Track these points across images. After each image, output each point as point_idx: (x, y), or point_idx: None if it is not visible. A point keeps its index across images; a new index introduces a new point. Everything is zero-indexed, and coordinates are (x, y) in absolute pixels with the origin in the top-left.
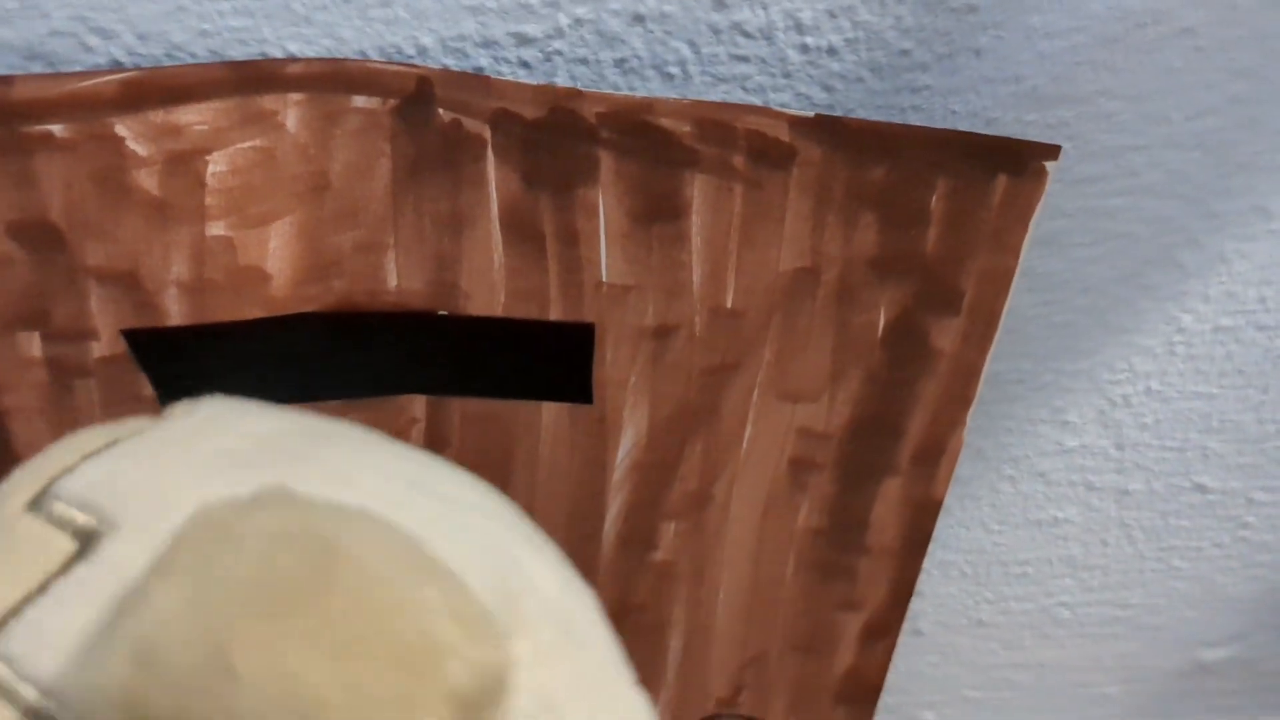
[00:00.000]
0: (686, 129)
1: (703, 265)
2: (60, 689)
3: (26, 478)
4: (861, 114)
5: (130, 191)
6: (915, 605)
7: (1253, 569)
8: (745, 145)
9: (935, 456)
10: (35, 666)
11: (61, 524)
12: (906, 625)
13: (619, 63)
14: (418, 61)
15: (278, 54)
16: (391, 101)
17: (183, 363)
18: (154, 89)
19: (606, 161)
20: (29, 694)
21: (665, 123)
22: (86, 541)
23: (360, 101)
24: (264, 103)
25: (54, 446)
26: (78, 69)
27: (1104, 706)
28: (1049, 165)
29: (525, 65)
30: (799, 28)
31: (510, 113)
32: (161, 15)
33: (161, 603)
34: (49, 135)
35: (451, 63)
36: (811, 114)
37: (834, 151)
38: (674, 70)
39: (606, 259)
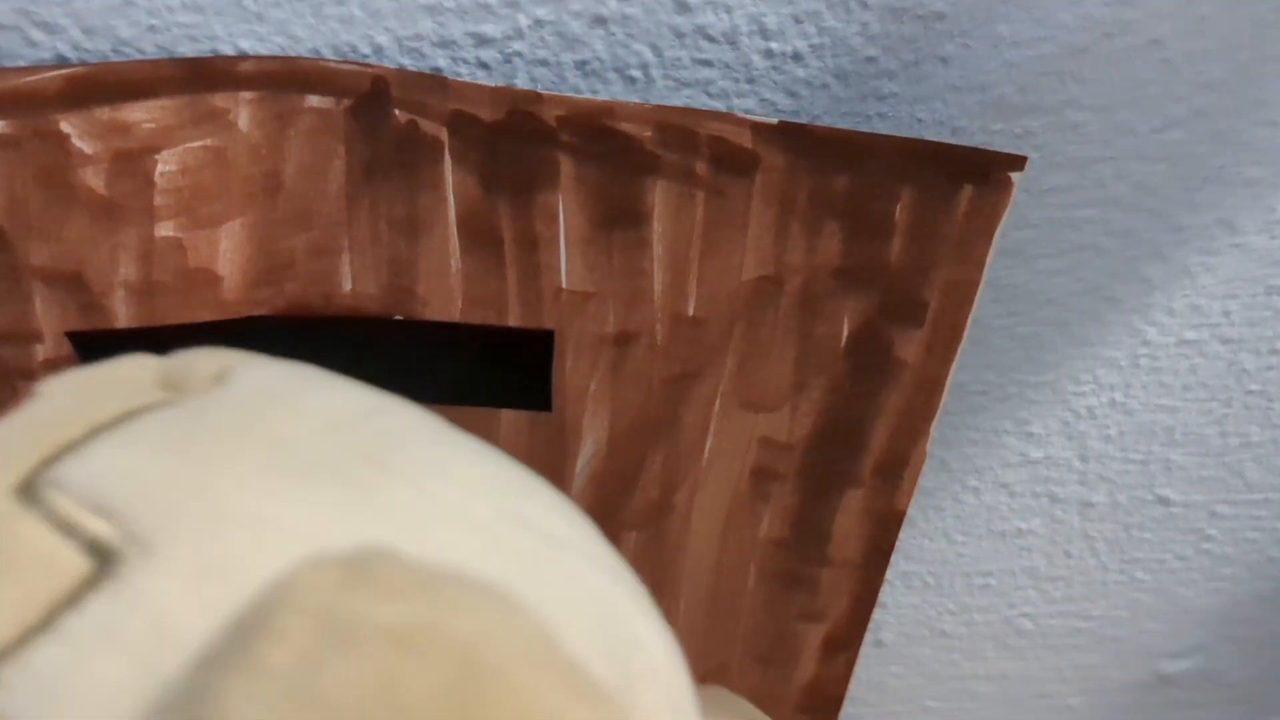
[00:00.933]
0: (648, 134)
1: (664, 272)
2: None
3: (13, 443)
4: (827, 121)
5: (76, 190)
6: (877, 616)
7: (1214, 581)
8: (708, 151)
9: (898, 468)
10: None
11: (69, 529)
12: (868, 636)
13: (580, 65)
14: (373, 61)
15: (229, 51)
16: (346, 101)
17: None
18: (100, 85)
19: (567, 166)
20: None
21: (627, 127)
22: (105, 562)
23: (314, 101)
24: (215, 101)
25: (41, 400)
26: (20, 64)
27: (1065, 717)
28: (1014, 176)
29: (484, 66)
30: (764, 33)
31: (468, 115)
32: (108, 10)
33: (244, 716)
34: None
35: (408, 63)
36: (775, 121)
37: (798, 159)
38: (636, 73)
39: (566, 265)
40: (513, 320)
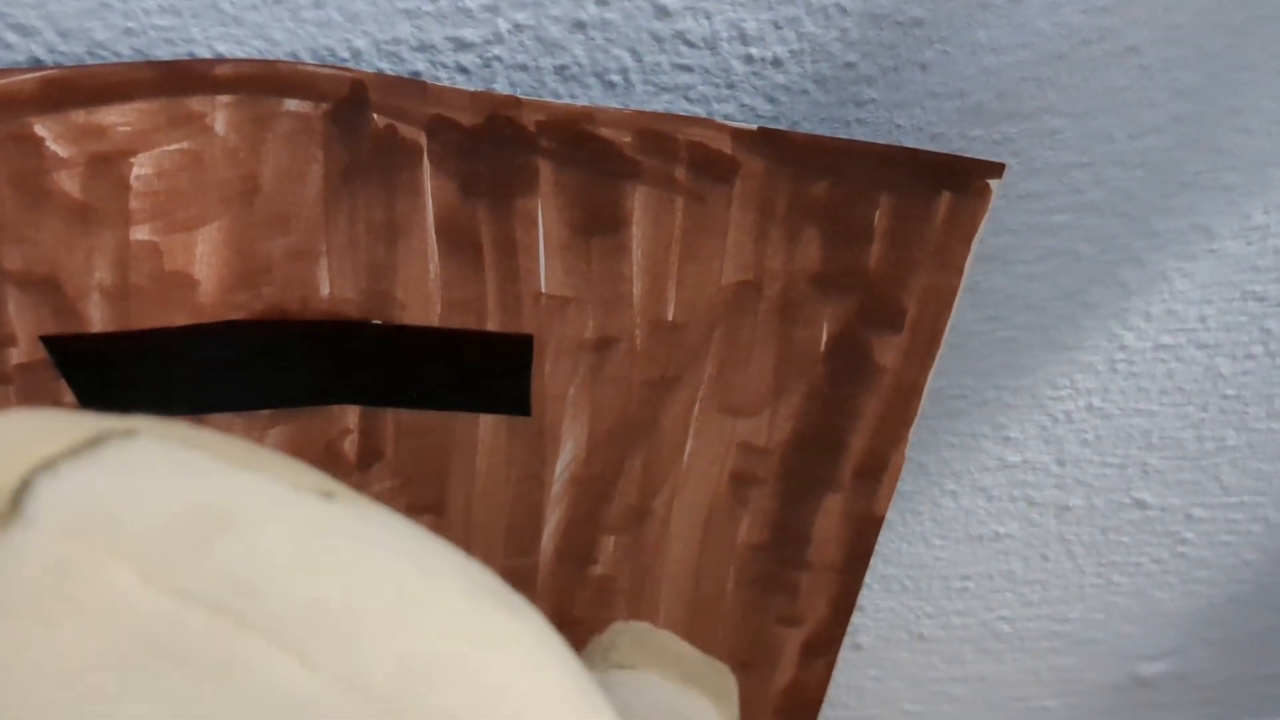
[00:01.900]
0: (628, 139)
1: (643, 278)
2: None
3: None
4: (806, 127)
5: (51, 194)
6: (856, 620)
7: (1190, 585)
8: (687, 157)
9: (877, 472)
10: None
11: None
12: (847, 640)
13: (559, 70)
14: (352, 65)
15: (206, 54)
16: (324, 106)
17: (106, 371)
18: (76, 88)
19: (546, 171)
20: None
21: (606, 132)
22: None
23: (292, 105)
24: (191, 104)
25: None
26: None
27: (1042, 719)
28: (993, 183)
29: (463, 71)
30: (743, 38)
31: (447, 119)
32: (84, 12)
33: None
34: None
35: (387, 67)
36: (755, 127)
37: (777, 165)
38: (616, 79)
39: (546, 270)
40: (492, 325)
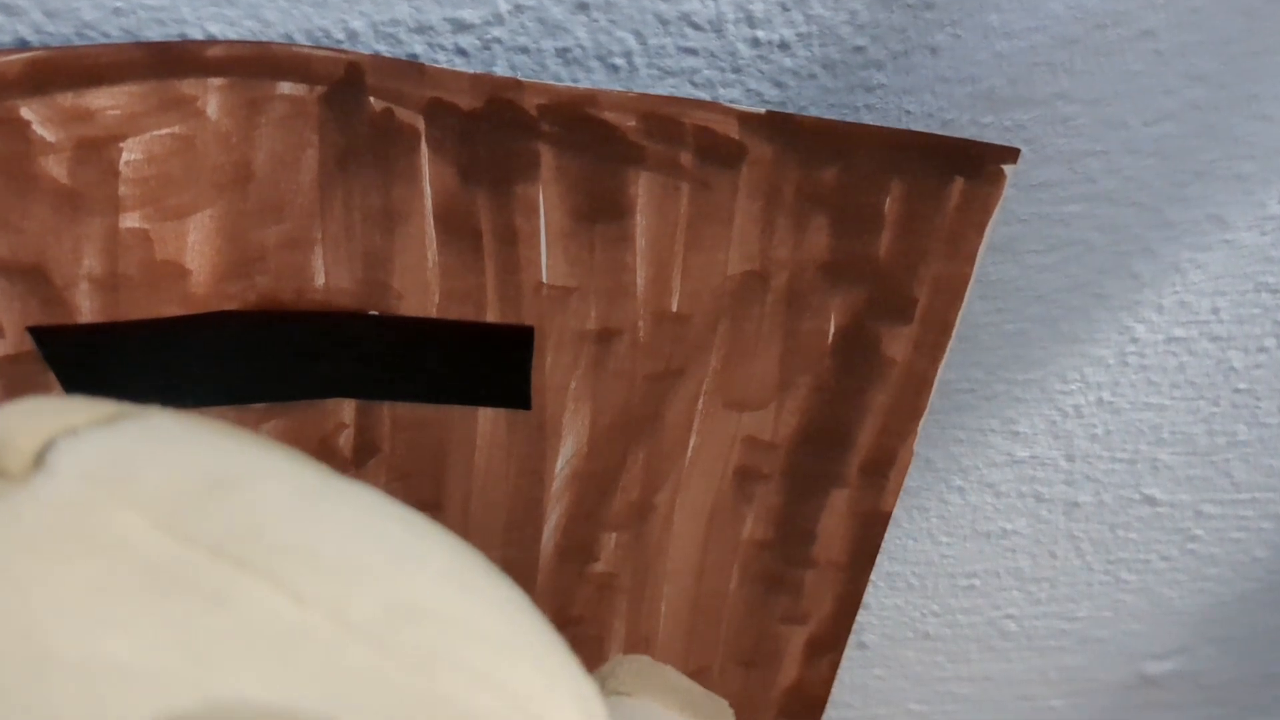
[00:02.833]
0: (632, 123)
1: (647, 267)
2: None
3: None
4: (814, 112)
5: (37, 180)
6: (861, 618)
7: (1199, 582)
8: (693, 142)
9: (885, 467)
10: None
11: None
12: (851, 638)
13: (561, 52)
14: (347, 46)
15: (198, 36)
16: (319, 89)
17: (94, 362)
18: (63, 70)
19: (547, 156)
20: None
21: (610, 116)
22: None
23: (286, 88)
24: (183, 87)
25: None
26: None
27: (1048, 719)
28: (1006, 169)
29: (462, 53)
30: (750, 20)
31: (446, 103)
32: None
33: None
34: None
35: (384, 49)
36: (762, 110)
37: (785, 150)
38: (619, 61)
39: (547, 259)
40: (491, 316)
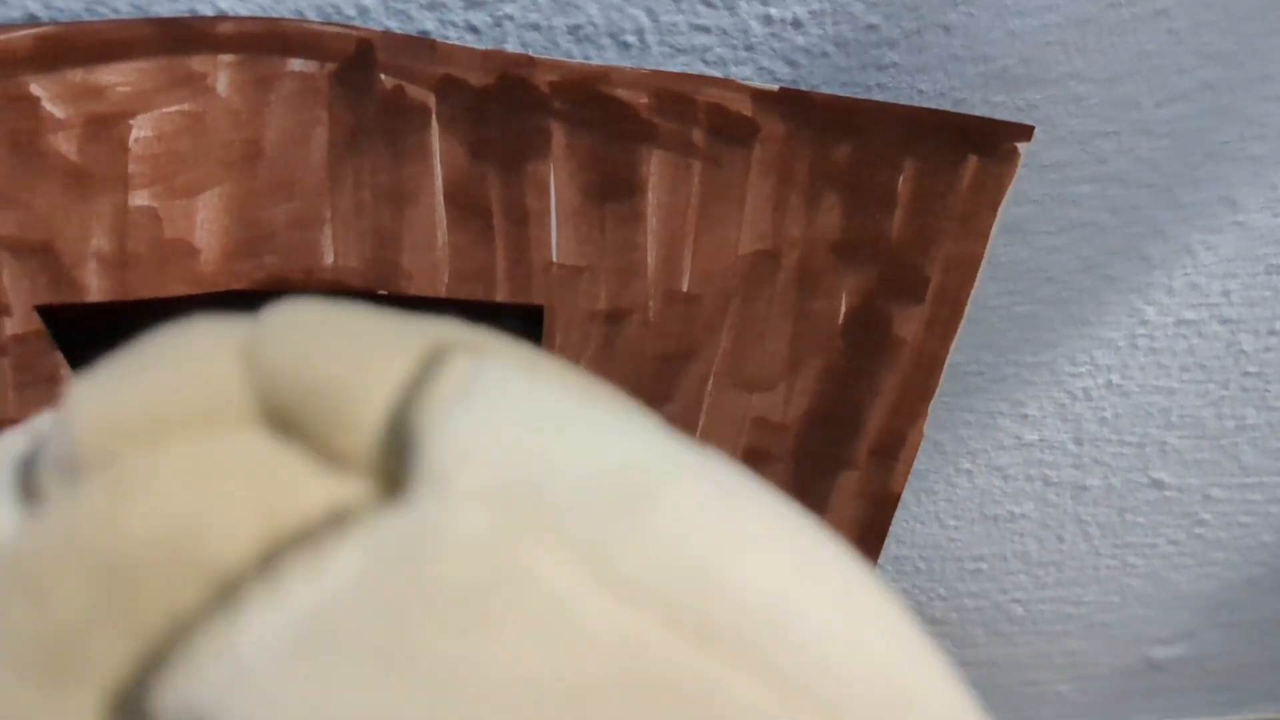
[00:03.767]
0: (644, 100)
1: (658, 247)
2: None
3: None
4: (826, 91)
5: (46, 157)
6: None
7: (1206, 567)
8: (705, 119)
9: (894, 449)
10: None
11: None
12: None
13: (573, 29)
14: (358, 23)
15: (208, 11)
16: (330, 65)
17: (102, 341)
18: (72, 46)
19: (558, 134)
20: None
21: (621, 94)
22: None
23: (296, 65)
24: (192, 64)
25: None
26: None
27: (1054, 705)
28: (1021, 146)
29: (473, 30)
30: None
31: (457, 80)
32: None
33: None
34: None
35: (394, 25)
36: (775, 87)
37: (798, 128)
38: (631, 39)
39: (557, 238)
40: (501, 296)
